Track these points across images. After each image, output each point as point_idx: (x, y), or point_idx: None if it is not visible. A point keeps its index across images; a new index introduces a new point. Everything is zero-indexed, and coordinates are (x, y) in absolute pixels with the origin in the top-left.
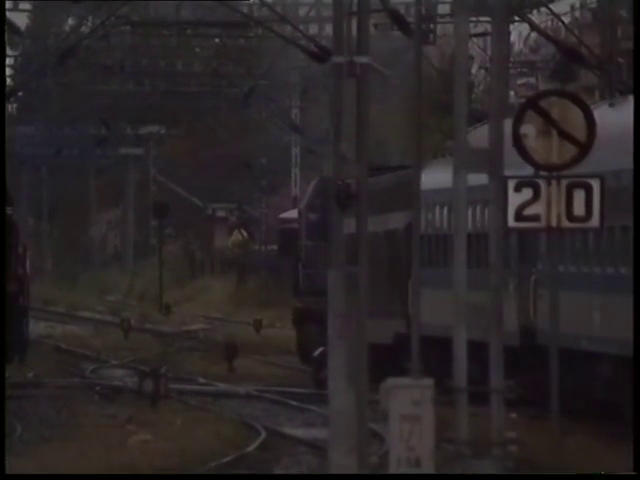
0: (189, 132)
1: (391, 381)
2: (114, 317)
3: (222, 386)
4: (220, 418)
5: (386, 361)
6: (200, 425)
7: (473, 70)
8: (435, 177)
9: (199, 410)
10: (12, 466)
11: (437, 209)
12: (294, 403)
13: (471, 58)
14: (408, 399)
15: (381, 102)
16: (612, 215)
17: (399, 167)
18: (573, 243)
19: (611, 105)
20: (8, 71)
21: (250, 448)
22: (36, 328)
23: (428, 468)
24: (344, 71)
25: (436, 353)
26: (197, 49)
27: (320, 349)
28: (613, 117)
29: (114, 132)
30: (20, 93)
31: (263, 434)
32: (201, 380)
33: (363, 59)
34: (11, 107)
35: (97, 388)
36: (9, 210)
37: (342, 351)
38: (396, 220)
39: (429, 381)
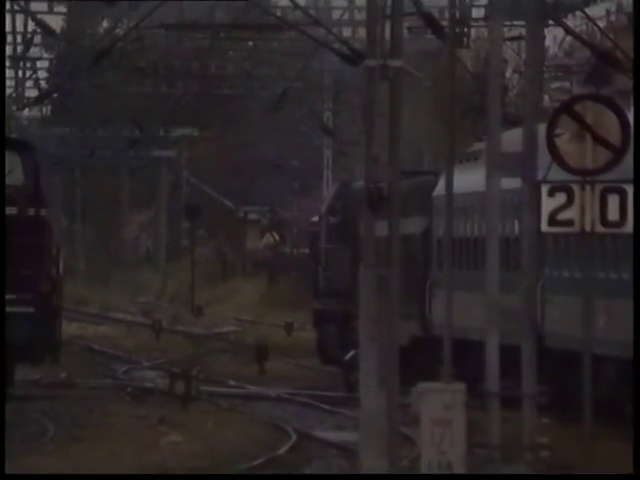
0: (221, 134)
1: (423, 385)
2: (146, 318)
3: (253, 388)
4: (251, 420)
5: (402, 363)
6: (231, 427)
7: (507, 74)
8: (460, 181)
9: (230, 412)
10: (43, 465)
11: (459, 214)
12: (325, 406)
13: (505, 62)
14: (440, 403)
15: (414, 105)
16: None
17: (416, 173)
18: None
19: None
20: (43, 74)
21: (281, 451)
22: (69, 328)
23: (459, 472)
24: (377, 74)
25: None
26: (230, 52)
27: (351, 352)
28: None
29: (147, 134)
30: (55, 95)
31: (294, 437)
32: (232, 382)
33: (396, 62)
34: (46, 109)
35: (129, 389)
36: (43, 211)
37: (373, 354)
38: (413, 225)
39: (461, 385)
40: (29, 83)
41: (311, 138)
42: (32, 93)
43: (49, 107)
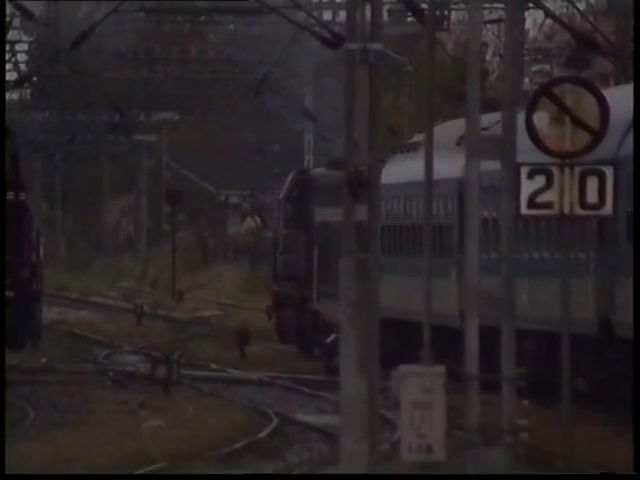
0: (202, 119)
1: (402, 368)
2: (127, 303)
3: (234, 372)
4: (232, 405)
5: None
6: (212, 411)
7: (487, 57)
8: (393, 172)
9: (211, 396)
10: (24, 451)
11: (398, 202)
12: (306, 390)
13: (485, 45)
14: (419, 386)
15: (394, 89)
16: None
17: None
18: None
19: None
20: (23, 57)
21: (262, 434)
22: (49, 314)
23: (439, 455)
24: (357, 58)
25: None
26: (211, 36)
27: (332, 336)
28: None
29: (127, 119)
30: (34, 79)
31: (275, 421)
32: (213, 366)
33: (376, 46)
34: (25, 93)
35: (110, 374)
36: (22, 196)
37: (353, 339)
38: (362, 211)
39: (440, 368)
40: (8, 66)
41: (292, 123)
42: (11, 77)
43: (28, 91)
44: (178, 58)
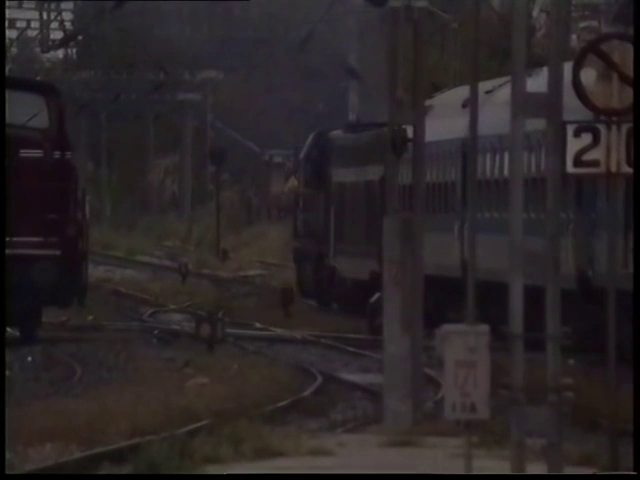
0: (246, 78)
1: (446, 327)
2: (172, 262)
3: (278, 331)
4: (276, 363)
5: (365, 294)
6: (256, 370)
7: (534, 14)
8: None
9: (255, 355)
10: (71, 408)
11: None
12: (350, 349)
13: (531, 1)
14: (463, 345)
15: (439, 47)
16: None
17: (374, 125)
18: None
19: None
20: (69, 16)
21: (306, 393)
22: (95, 272)
23: (483, 413)
24: (401, 16)
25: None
26: None
27: (376, 295)
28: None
29: (171, 78)
30: (79, 38)
31: (319, 379)
32: (257, 325)
33: (421, 3)
34: (70, 52)
35: (155, 332)
36: (68, 155)
37: (397, 298)
38: (372, 172)
39: (484, 327)
40: (54, 25)
41: (336, 81)
42: (57, 35)
43: (74, 50)
44: (222, 17)
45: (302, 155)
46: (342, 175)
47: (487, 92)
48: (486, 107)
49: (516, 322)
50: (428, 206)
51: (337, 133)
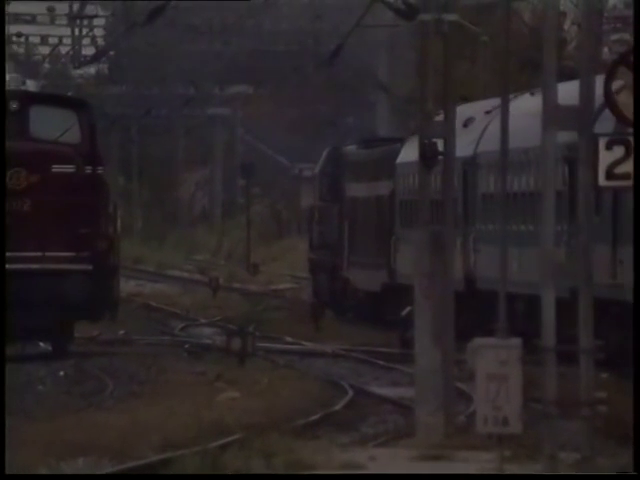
0: (275, 92)
1: (478, 340)
2: (202, 276)
3: (309, 345)
4: (307, 377)
5: (376, 305)
6: (287, 383)
7: (565, 26)
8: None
9: (286, 368)
10: (103, 421)
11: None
12: (381, 362)
13: (563, 14)
14: (495, 359)
15: (469, 59)
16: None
17: (383, 140)
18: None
19: (532, 94)
20: (100, 31)
21: (337, 407)
22: (126, 286)
23: (515, 428)
24: (431, 28)
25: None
26: (285, 8)
27: (407, 309)
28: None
29: (202, 92)
30: (111, 53)
31: (350, 393)
32: (288, 339)
33: (451, 16)
34: (102, 67)
35: (186, 346)
36: (99, 169)
37: (428, 310)
38: (382, 188)
39: (516, 341)
40: (86, 41)
41: (365, 95)
42: (89, 51)
43: (105, 65)
44: (252, 30)
45: (317, 169)
46: (355, 189)
47: (487, 112)
48: (492, 125)
49: (548, 335)
50: (415, 220)
51: (350, 148)
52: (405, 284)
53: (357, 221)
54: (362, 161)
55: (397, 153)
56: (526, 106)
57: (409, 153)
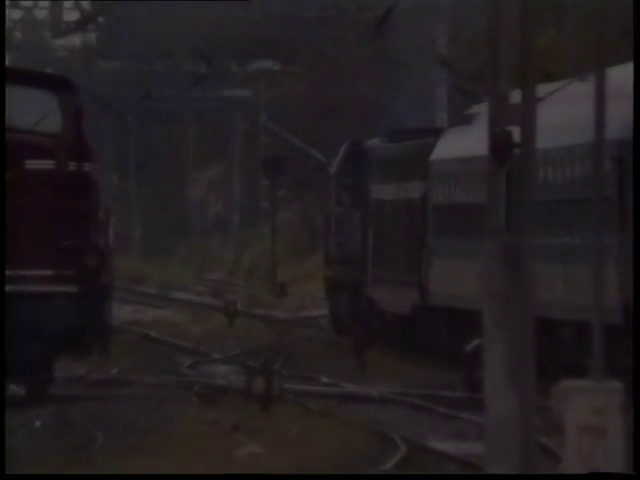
0: (309, 68)
1: (566, 383)
2: (216, 299)
3: (350, 387)
4: (347, 426)
5: (405, 333)
6: (322, 435)
7: None
8: (455, 145)
9: (321, 416)
10: None
11: (461, 179)
12: (441, 409)
13: None
14: (589, 406)
15: (554, 26)
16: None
17: (421, 132)
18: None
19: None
20: None
21: (387, 465)
22: (121, 313)
23: None
24: None
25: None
26: None
27: (474, 342)
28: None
29: (216, 69)
30: (100, 19)
31: (403, 448)
32: (323, 379)
33: None
34: (89, 37)
35: (196, 388)
36: (87, 166)
37: (500, 343)
38: (413, 190)
39: (616, 384)
40: (68, 4)
41: (421, 71)
42: (72, 16)
43: (94, 35)
44: None
45: (333, 169)
46: (381, 192)
47: (538, 99)
48: (547, 114)
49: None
50: (453, 229)
51: (374, 142)
52: (439, 306)
53: (383, 230)
54: (389, 158)
55: (431, 148)
56: (572, 95)
57: (446, 148)
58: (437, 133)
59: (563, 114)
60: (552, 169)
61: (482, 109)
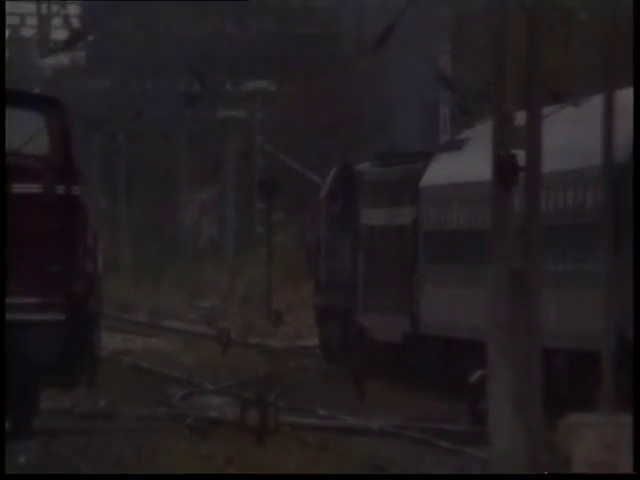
0: (306, 87)
1: (574, 417)
2: (209, 328)
3: (349, 419)
4: (346, 461)
5: (396, 361)
6: (321, 470)
7: None
8: (445, 170)
9: (319, 450)
10: None
11: (452, 205)
12: (444, 444)
13: None
14: (598, 441)
15: (561, 44)
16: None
17: (411, 155)
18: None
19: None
20: (76, 9)
21: None
22: (110, 341)
23: None
24: (511, 2)
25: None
26: None
27: (478, 373)
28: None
29: (209, 88)
30: (89, 37)
31: None
32: (321, 411)
33: None
34: (78, 56)
35: (188, 420)
36: (75, 190)
37: (507, 374)
38: (404, 215)
39: (626, 418)
40: (57, 22)
41: (422, 90)
42: (61, 35)
43: (83, 53)
44: (275, 7)
45: (323, 193)
46: (371, 217)
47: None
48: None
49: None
50: (444, 256)
51: (364, 166)
52: (430, 334)
53: (373, 255)
54: (379, 182)
55: (421, 173)
56: (565, 119)
57: (436, 173)
58: (429, 157)
59: (552, 140)
60: (544, 195)
61: (473, 134)
